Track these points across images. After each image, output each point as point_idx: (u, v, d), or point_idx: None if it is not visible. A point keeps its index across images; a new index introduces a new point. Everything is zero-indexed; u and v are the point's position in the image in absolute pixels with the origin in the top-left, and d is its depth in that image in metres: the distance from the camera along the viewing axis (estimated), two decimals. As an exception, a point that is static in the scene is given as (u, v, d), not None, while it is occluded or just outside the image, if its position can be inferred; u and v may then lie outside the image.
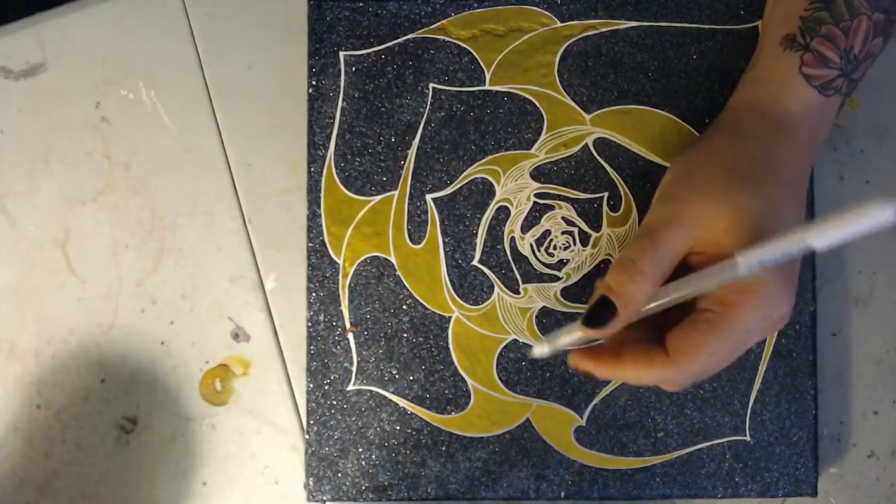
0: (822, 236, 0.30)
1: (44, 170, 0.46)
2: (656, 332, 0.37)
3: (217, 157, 0.46)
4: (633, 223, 0.44)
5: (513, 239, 0.44)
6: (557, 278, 0.44)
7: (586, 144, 0.44)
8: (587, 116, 0.44)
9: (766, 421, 0.43)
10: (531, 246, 0.44)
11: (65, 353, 0.45)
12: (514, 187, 0.44)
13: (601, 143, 0.44)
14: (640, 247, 0.36)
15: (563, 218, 0.43)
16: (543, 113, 0.44)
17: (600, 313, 0.36)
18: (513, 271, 0.44)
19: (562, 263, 0.44)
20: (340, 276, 0.44)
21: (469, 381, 0.43)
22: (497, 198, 0.44)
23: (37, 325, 0.45)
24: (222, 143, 0.46)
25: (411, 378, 0.43)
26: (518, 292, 0.44)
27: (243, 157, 0.46)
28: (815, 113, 0.39)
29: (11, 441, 0.45)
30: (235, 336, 0.46)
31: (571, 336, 0.38)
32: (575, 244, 0.44)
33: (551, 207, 0.44)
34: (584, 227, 0.44)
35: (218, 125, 0.46)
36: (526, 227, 0.44)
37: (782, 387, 0.43)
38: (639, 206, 0.44)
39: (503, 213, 0.44)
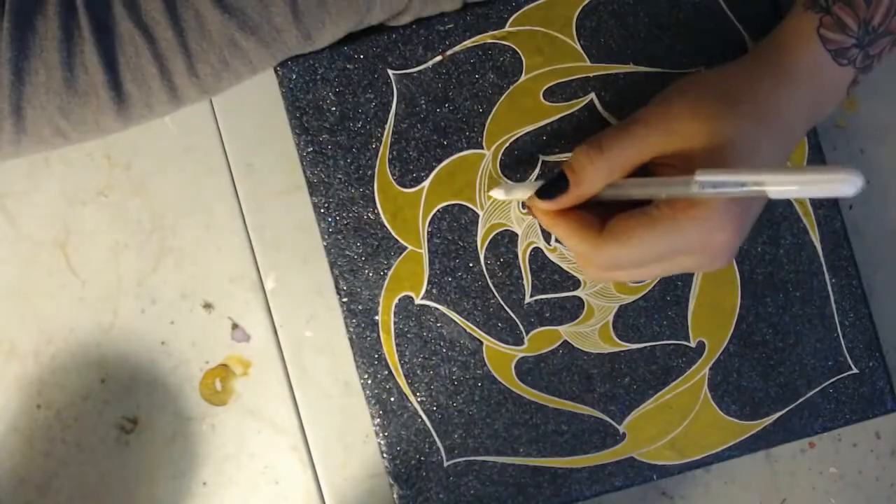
0: (779, 185, 0.30)
1: (44, 170, 0.46)
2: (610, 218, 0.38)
3: (217, 157, 0.46)
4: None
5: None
6: None
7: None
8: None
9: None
10: None
11: (65, 353, 0.45)
12: None
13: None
14: (614, 135, 0.37)
15: None
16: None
17: (553, 187, 0.38)
18: None
19: None
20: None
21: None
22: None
23: (37, 325, 0.45)
24: (222, 142, 0.46)
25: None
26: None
27: (243, 157, 0.46)
28: (824, 77, 0.39)
29: (11, 441, 0.45)
30: (235, 336, 0.46)
31: (525, 194, 0.40)
32: None
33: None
34: None
35: (218, 125, 0.46)
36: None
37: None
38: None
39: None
